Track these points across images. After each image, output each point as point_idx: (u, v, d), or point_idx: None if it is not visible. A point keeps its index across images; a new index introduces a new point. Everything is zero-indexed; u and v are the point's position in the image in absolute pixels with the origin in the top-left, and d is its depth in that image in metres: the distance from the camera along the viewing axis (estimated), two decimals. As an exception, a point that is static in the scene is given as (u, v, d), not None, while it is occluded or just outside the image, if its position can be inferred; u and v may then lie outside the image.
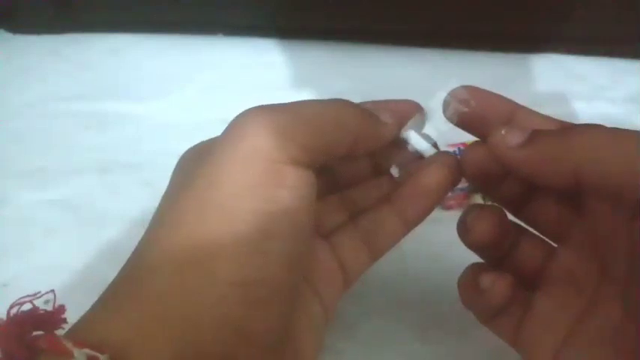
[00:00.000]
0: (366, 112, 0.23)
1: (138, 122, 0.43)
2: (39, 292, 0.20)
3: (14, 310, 0.19)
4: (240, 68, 0.46)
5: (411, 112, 0.25)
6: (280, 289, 0.19)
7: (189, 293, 0.18)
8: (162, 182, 0.39)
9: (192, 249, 0.19)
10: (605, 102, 0.43)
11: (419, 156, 0.26)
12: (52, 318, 0.20)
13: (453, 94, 0.24)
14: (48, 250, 0.35)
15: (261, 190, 0.19)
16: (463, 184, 0.26)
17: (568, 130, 0.21)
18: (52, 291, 0.21)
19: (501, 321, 0.25)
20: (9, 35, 0.50)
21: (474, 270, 0.25)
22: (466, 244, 0.25)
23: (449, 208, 0.36)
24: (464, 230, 0.25)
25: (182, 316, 0.18)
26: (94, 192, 0.39)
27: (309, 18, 0.47)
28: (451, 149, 0.26)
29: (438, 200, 0.25)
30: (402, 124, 0.25)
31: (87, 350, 0.17)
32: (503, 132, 0.22)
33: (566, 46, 0.46)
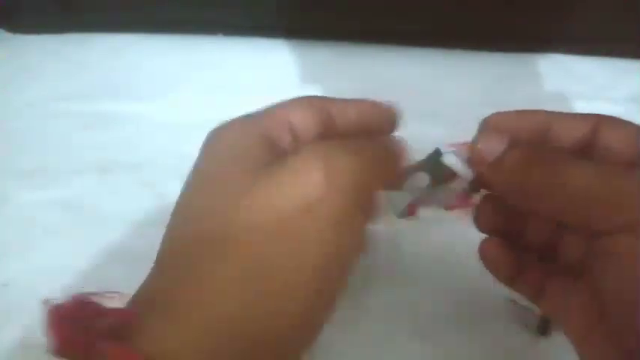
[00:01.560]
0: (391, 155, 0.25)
1: (138, 122, 0.43)
2: (103, 291, 0.20)
3: (77, 298, 0.19)
4: (240, 68, 0.46)
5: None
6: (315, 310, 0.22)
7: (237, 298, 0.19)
8: (162, 182, 0.39)
9: (258, 272, 0.20)
10: (606, 102, 0.43)
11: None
12: (116, 314, 0.19)
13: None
14: (48, 250, 0.35)
15: (336, 236, 0.21)
16: (464, 184, 0.26)
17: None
18: (118, 292, 0.20)
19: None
20: (9, 35, 0.50)
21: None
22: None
23: (450, 208, 0.36)
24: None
25: (229, 319, 0.19)
26: (94, 192, 0.39)
27: (310, 18, 0.47)
28: (450, 149, 0.26)
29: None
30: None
31: None
32: (479, 146, 0.24)
33: (566, 46, 0.46)
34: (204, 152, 0.24)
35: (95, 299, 0.19)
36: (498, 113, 0.25)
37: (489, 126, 0.25)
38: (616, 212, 0.20)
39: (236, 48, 0.48)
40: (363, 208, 0.22)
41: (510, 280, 0.27)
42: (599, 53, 0.46)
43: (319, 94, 0.44)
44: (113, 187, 0.39)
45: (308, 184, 0.20)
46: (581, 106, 0.43)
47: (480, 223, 0.27)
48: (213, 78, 0.46)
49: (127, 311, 0.20)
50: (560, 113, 0.24)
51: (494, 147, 0.23)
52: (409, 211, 0.27)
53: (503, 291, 0.33)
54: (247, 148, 0.23)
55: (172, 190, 0.40)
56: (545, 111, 0.25)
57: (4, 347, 0.31)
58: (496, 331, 0.32)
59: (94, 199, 0.38)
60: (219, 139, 0.24)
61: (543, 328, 0.32)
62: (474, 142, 0.25)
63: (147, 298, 0.20)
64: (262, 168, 0.21)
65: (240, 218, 0.20)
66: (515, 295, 0.33)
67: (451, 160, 0.26)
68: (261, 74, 0.46)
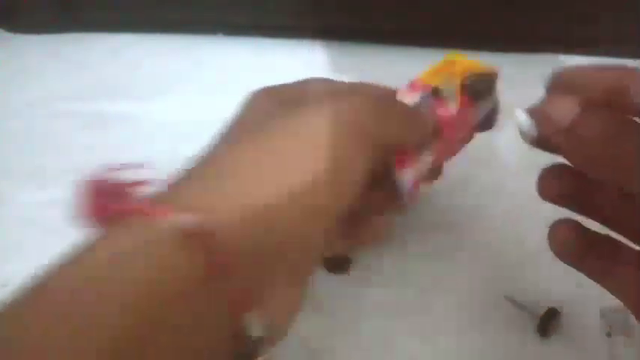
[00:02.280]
0: (422, 118, 0.27)
1: (138, 122, 0.43)
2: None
3: (110, 173, 0.21)
4: (240, 68, 0.46)
5: None
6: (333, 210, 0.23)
7: (270, 183, 0.21)
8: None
9: (272, 151, 0.22)
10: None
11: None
12: (138, 184, 0.22)
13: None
14: (48, 250, 0.35)
15: (341, 150, 0.22)
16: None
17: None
18: (143, 164, 0.23)
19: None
20: (9, 35, 0.50)
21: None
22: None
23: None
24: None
25: (265, 196, 0.21)
26: (94, 192, 0.39)
27: (309, 18, 0.47)
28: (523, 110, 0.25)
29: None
30: None
31: (181, 215, 0.19)
32: (548, 110, 0.22)
33: (566, 46, 0.46)
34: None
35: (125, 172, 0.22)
36: (569, 68, 0.23)
37: (559, 84, 0.23)
38: None
39: (236, 48, 0.48)
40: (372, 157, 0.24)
41: (578, 263, 0.25)
42: (598, 53, 0.46)
43: (319, 94, 0.44)
44: (113, 187, 0.39)
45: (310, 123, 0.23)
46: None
47: (544, 191, 0.25)
48: (213, 78, 0.46)
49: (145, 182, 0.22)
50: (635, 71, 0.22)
51: (566, 112, 0.21)
52: (413, 186, 0.28)
53: (502, 291, 0.34)
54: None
55: (172, 190, 0.40)
56: (623, 67, 0.22)
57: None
58: (496, 331, 0.32)
59: (94, 199, 0.38)
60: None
61: (543, 328, 0.32)
62: (543, 104, 0.23)
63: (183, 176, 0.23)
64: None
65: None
66: (515, 296, 0.33)
67: (521, 119, 0.24)
68: (261, 74, 0.46)
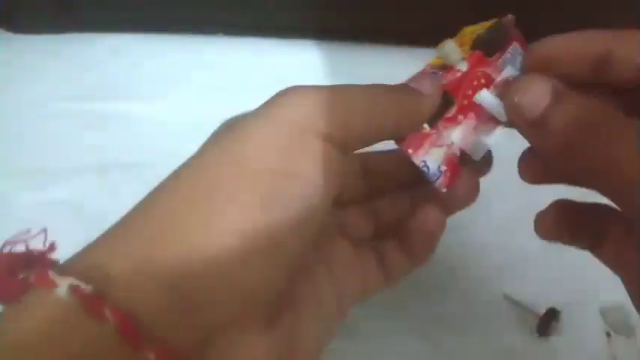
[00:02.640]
0: (407, 92, 0.23)
1: (138, 122, 0.43)
2: (29, 229, 0.21)
3: (7, 248, 0.20)
4: (240, 68, 0.46)
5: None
6: (280, 247, 0.19)
7: (185, 234, 0.19)
8: (162, 182, 0.39)
9: (200, 191, 0.19)
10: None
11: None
12: (44, 257, 0.20)
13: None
14: (48, 250, 0.35)
15: (284, 152, 0.20)
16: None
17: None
18: (44, 230, 0.21)
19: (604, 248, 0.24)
20: (9, 35, 0.49)
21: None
22: None
23: None
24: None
25: (173, 256, 0.18)
26: (94, 192, 0.39)
27: (309, 18, 0.47)
28: (492, 91, 0.24)
29: (434, 241, 0.25)
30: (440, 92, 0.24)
31: (71, 279, 0.17)
32: (516, 100, 0.21)
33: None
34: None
35: (24, 245, 0.20)
36: (545, 41, 0.22)
37: (533, 60, 0.22)
38: None
39: (236, 48, 0.48)
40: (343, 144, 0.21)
41: (569, 241, 0.24)
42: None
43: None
44: (113, 187, 0.39)
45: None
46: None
47: (524, 176, 0.24)
48: (213, 78, 0.46)
49: (49, 253, 0.21)
50: (622, 33, 0.21)
51: (536, 101, 0.20)
52: (446, 166, 0.24)
53: (502, 291, 0.34)
54: None
55: (172, 190, 0.40)
56: (603, 32, 0.21)
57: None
58: (496, 331, 0.32)
59: (94, 199, 0.38)
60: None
61: (543, 328, 0.32)
62: (513, 89, 0.21)
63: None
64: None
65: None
66: (515, 296, 0.33)
67: (488, 99, 0.23)
68: (261, 74, 0.46)
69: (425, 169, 0.23)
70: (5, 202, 0.38)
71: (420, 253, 0.26)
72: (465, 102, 0.24)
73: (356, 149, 0.22)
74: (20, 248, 0.20)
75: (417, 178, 0.25)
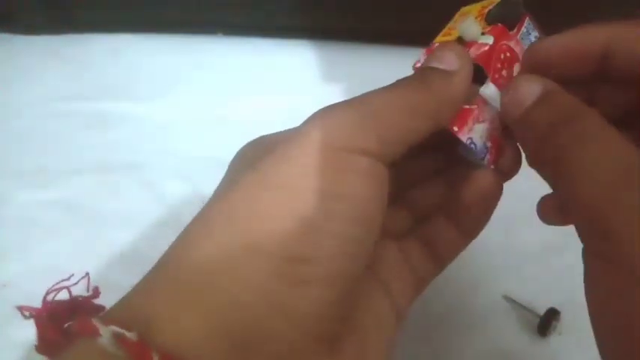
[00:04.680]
0: (435, 77, 0.21)
1: (138, 122, 0.43)
2: (72, 275, 0.20)
3: (51, 296, 0.19)
4: (240, 68, 0.46)
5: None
6: (335, 274, 0.18)
7: (232, 266, 0.18)
8: (162, 182, 0.39)
9: (245, 226, 0.18)
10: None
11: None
12: (88, 304, 0.19)
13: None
14: (48, 250, 0.35)
15: (329, 176, 0.19)
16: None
17: None
18: (87, 274, 0.21)
19: None
20: (9, 36, 0.50)
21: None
22: None
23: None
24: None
25: (220, 290, 0.17)
26: (94, 192, 0.39)
27: (309, 18, 0.47)
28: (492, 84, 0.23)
29: (493, 208, 0.24)
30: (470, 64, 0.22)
31: (113, 327, 0.16)
32: (507, 97, 0.21)
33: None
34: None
35: (68, 292, 0.20)
36: (545, 41, 0.22)
37: (534, 61, 0.22)
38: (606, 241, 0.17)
39: (236, 48, 0.48)
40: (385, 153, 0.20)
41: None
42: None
43: (320, 94, 0.44)
44: (113, 187, 0.39)
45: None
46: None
47: (543, 217, 0.24)
48: (213, 78, 0.46)
49: (93, 300, 0.20)
50: (620, 26, 0.21)
51: (526, 96, 0.21)
52: (489, 140, 0.23)
53: (502, 291, 0.34)
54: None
55: (172, 190, 0.40)
56: (602, 27, 0.22)
57: (5, 347, 0.31)
58: (496, 331, 0.32)
59: (94, 199, 0.38)
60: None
61: (543, 328, 0.32)
62: (510, 86, 0.21)
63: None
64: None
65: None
66: (515, 296, 0.33)
67: (494, 96, 0.23)
68: (261, 74, 0.46)
69: (472, 146, 0.22)
70: (5, 202, 0.38)
71: (475, 225, 0.25)
72: (497, 75, 0.23)
73: (399, 155, 0.20)
74: (64, 295, 0.19)
75: (449, 161, 0.25)
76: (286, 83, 0.45)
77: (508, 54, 0.24)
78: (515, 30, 0.24)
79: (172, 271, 0.19)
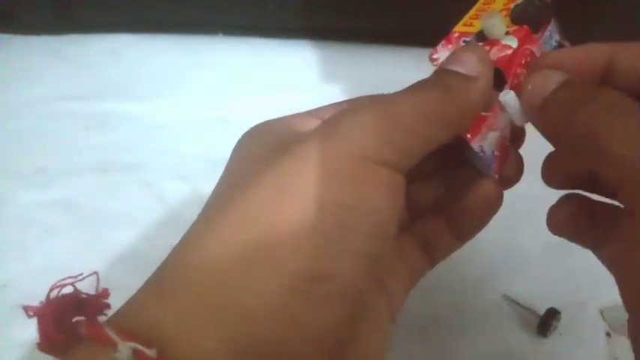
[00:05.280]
0: (456, 83, 0.21)
1: (138, 122, 0.43)
2: (81, 274, 0.19)
3: (55, 293, 0.19)
4: (240, 68, 0.46)
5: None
6: (348, 288, 0.18)
7: (248, 280, 0.17)
8: (162, 182, 0.39)
9: (260, 235, 0.18)
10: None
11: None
12: (95, 302, 0.19)
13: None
14: (48, 251, 0.35)
15: (348, 185, 0.18)
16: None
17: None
18: (95, 273, 0.20)
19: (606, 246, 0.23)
20: (9, 36, 0.50)
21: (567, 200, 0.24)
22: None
23: None
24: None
25: (236, 304, 0.17)
26: (94, 192, 0.39)
27: (309, 18, 0.47)
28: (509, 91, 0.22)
29: (492, 215, 0.24)
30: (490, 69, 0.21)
31: (132, 344, 0.16)
32: (529, 87, 0.21)
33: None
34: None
35: (73, 289, 0.19)
36: (550, 54, 0.23)
37: (543, 64, 0.22)
38: None
39: (236, 48, 0.48)
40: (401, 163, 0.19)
41: (575, 238, 0.24)
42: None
43: (320, 94, 0.44)
44: (113, 187, 0.39)
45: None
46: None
47: (547, 180, 0.24)
48: (213, 78, 0.46)
49: (99, 295, 0.19)
50: (624, 44, 0.22)
51: (546, 86, 0.21)
52: (498, 150, 0.22)
53: (502, 291, 0.34)
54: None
55: (172, 190, 0.40)
56: (606, 45, 0.22)
57: (5, 347, 0.31)
58: (496, 331, 0.32)
59: (94, 199, 0.38)
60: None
61: (543, 328, 0.32)
62: (526, 82, 0.21)
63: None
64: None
65: None
66: (515, 296, 0.33)
67: (513, 103, 0.22)
68: (261, 74, 0.46)
69: (482, 154, 0.22)
70: (5, 202, 0.38)
71: (470, 231, 0.25)
72: (516, 81, 0.22)
73: (415, 163, 0.20)
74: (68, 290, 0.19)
75: (450, 162, 0.24)
76: (286, 83, 0.45)
77: (529, 59, 0.23)
78: (539, 33, 0.23)
79: (183, 281, 0.18)
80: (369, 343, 0.22)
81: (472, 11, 0.25)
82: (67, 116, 0.43)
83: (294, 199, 0.18)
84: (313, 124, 0.21)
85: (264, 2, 0.47)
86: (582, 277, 0.34)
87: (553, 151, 0.24)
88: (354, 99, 0.24)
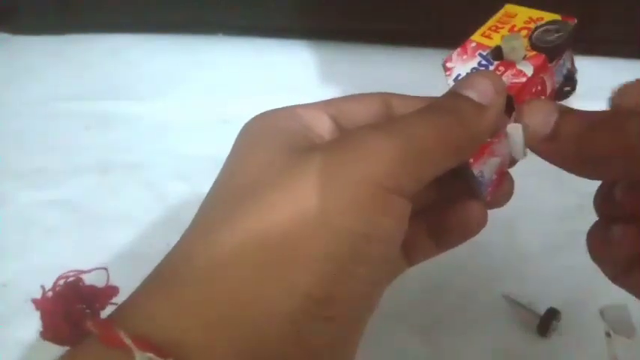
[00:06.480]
0: (469, 110, 0.21)
1: (138, 122, 0.43)
2: (88, 270, 0.19)
3: (61, 282, 0.19)
4: (240, 68, 0.46)
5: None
6: (355, 312, 0.19)
7: (263, 299, 0.18)
8: (162, 182, 0.39)
9: (273, 252, 0.18)
10: (606, 102, 0.43)
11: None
12: (101, 294, 0.19)
13: None
14: (48, 250, 0.35)
15: (365, 214, 0.18)
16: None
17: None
18: (105, 268, 0.20)
19: (634, 276, 0.23)
20: (9, 36, 0.50)
21: (605, 221, 0.23)
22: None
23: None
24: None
25: (250, 321, 0.17)
26: (94, 192, 0.39)
27: (309, 18, 0.47)
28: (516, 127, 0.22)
29: (473, 235, 0.24)
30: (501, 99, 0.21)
31: (150, 355, 0.16)
32: (526, 122, 0.21)
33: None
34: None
35: (80, 281, 0.19)
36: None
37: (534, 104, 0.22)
38: None
39: (236, 48, 0.48)
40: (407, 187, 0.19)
41: (615, 278, 0.23)
42: (599, 53, 0.46)
43: (320, 93, 0.44)
44: (113, 187, 0.39)
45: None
46: (581, 106, 0.43)
47: (593, 256, 0.24)
48: (213, 78, 0.46)
49: (109, 289, 0.19)
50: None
51: (549, 114, 0.21)
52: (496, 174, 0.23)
53: (502, 291, 0.34)
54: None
55: (172, 190, 0.40)
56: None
57: (5, 346, 0.31)
58: (496, 331, 0.32)
59: (94, 199, 0.38)
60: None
61: (543, 328, 0.32)
62: (521, 121, 0.21)
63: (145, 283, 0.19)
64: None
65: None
66: (515, 296, 0.33)
67: (519, 136, 0.22)
68: (261, 74, 0.46)
69: (481, 178, 0.22)
70: (5, 202, 0.38)
71: (449, 244, 0.25)
72: None
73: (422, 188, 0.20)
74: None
75: (444, 175, 0.25)
76: (286, 83, 0.45)
77: (539, 87, 0.23)
78: (554, 63, 0.23)
79: (195, 284, 0.18)
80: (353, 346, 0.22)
81: (491, 21, 0.24)
82: (67, 116, 0.43)
83: (310, 221, 0.18)
84: (323, 122, 0.22)
85: (265, 2, 0.47)
86: (582, 277, 0.34)
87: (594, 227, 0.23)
88: (364, 95, 0.24)
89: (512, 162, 0.23)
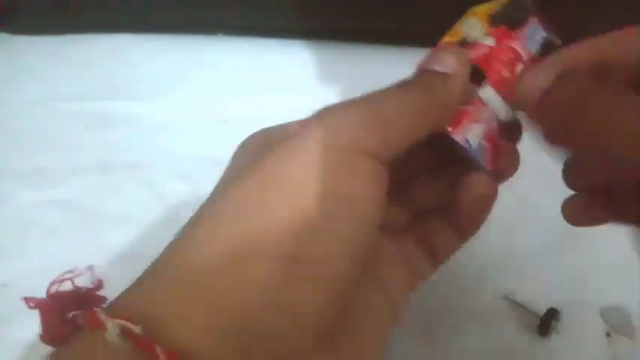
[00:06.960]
0: (435, 80, 0.22)
1: (138, 122, 0.43)
2: (76, 268, 0.20)
3: (54, 288, 0.19)
4: (240, 68, 0.46)
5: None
6: (334, 273, 0.19)
7: (235, 266, 0.18)
8: (162, 182, 0.39)
9: (249, 226, 0.19)
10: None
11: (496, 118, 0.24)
12: (92, 295, 0.19)
13: None
14: (48, 250, 0.35)
15: (331, 175, 0.19)
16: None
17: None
18: (91, 267, 0.21)
19: None
20: (9, 35, 0.50)
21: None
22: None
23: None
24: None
25: (225, 289, 0.18)
26: (94, 192, 0.39)
27: (308, 18, 0.47)
28: (491, 87, 0.24)
29: (489, 209, 0.25)
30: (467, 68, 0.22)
31: (119, 321, 0.17)
32: (524, 81, 0.21)
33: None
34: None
35: (71, 283, 0.20)
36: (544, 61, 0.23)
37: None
38: None
39: (236, 48, 0.48)
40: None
41: (614, 220, 0.24)
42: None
43: (320, 94, 0.44)
44: (113, 187, 0.39)
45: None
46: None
47: (569, 219, 0.24)
48: (213, 78, 0.46)
49: (95, 285, 0.20)
50: (614, 37, 0.22)
51: (542, 81, 0.21)
52: (486, 141, 0.23)
53: (502, 291, 0.34)
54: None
55: (172, 189, 0.40)
56: (595, 41, 0.22)
57: (5, 346, 0.31)
58: (496, 331, 0.32)
59: (94, 199, 0.38)
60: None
61: (543, 328, 0.32)
62: (519, 77, 0.22)
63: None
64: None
65: None
66: (515, 296, 0.33)
67: (492, 98, 0.23)
68: (261, 74, 0.46)
69: (466, 145, 0.23)
70: (5, 202, 0.38)
71: (470, 226, 0.25)
72: (496, 77, 0.23)
73: (397, 155, 0.21)
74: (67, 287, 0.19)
75: (450, 160, 0.25)
76: (286, 83, 0.45)
77: (511, 55, 0.24)
78: (518, 30, 0.24)
79: (175, 269, 0.19)
80: (364, 336, 0.22)
81: (457, 23, 0.26)
82: (67, 116, 0.43)
83: (279, 189, 0.19)
84: None
85: (265, 2, 0.47)
86: (582, 277, 0.34)
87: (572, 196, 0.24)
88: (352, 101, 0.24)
89: (503, 126, 0.24)
